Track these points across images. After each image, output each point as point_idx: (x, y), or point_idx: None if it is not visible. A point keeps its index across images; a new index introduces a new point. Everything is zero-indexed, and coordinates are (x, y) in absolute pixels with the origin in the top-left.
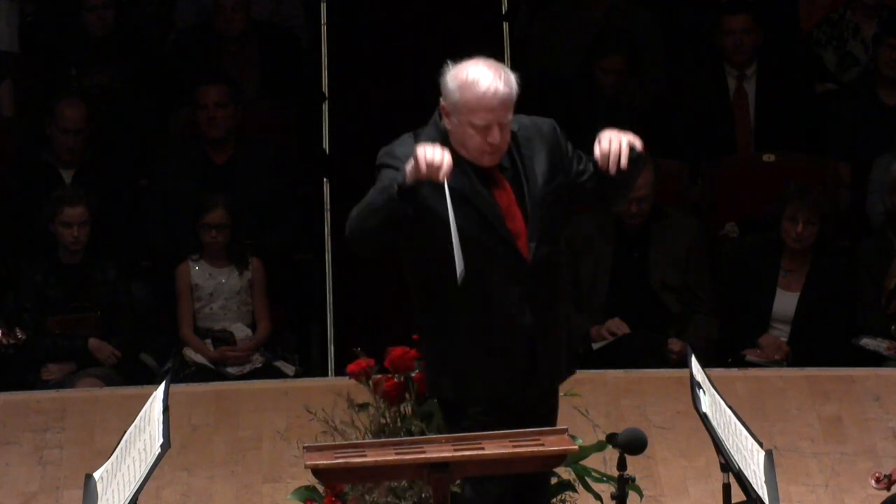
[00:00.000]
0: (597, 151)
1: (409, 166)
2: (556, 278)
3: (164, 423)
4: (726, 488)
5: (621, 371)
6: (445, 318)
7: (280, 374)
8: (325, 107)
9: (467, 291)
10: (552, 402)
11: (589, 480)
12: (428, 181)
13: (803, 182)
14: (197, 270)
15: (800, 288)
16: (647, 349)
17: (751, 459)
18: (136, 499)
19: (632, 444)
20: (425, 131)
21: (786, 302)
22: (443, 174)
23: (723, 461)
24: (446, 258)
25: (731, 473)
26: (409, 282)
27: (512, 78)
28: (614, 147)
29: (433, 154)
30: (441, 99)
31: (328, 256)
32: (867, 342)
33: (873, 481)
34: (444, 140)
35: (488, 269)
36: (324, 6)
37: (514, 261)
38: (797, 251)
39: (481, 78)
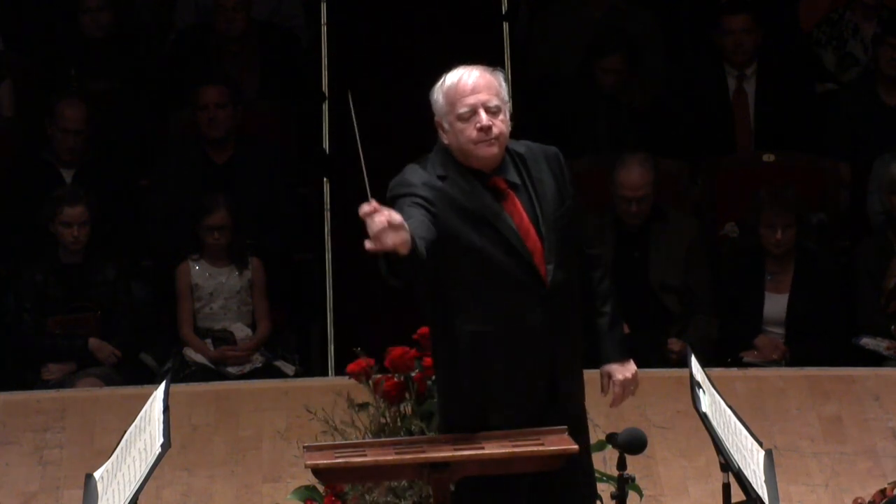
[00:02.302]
0: (606, 387)
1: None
2: (573, 304)
3: (164, 422)
4: (726, 488)
5: None
6: (464, 343)
7: (280, 374)
8: (325, 107)
9: (488, 314)
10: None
11: None
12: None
13: (773, 186)
14: (197, 270)
15: (787, 290)
16: (647, 349)
17: (751, 459)
18: (136, 499)
19: (632, 444)
20: (430, 158)
21: (776, 304)
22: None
23: (723, 461)
24: (469, 284)
25: (731, 473)
26: (424, 306)
27: (495, 73)
28: (625, 395)
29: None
30: (435, 119)
31: (328, 256)
32: (867, 342)
33: None
34: (448, 159)
35: (508, 291)
36: (324, 6)
37: (533, 282)
38: (779, 255)
39: (455, 74)
